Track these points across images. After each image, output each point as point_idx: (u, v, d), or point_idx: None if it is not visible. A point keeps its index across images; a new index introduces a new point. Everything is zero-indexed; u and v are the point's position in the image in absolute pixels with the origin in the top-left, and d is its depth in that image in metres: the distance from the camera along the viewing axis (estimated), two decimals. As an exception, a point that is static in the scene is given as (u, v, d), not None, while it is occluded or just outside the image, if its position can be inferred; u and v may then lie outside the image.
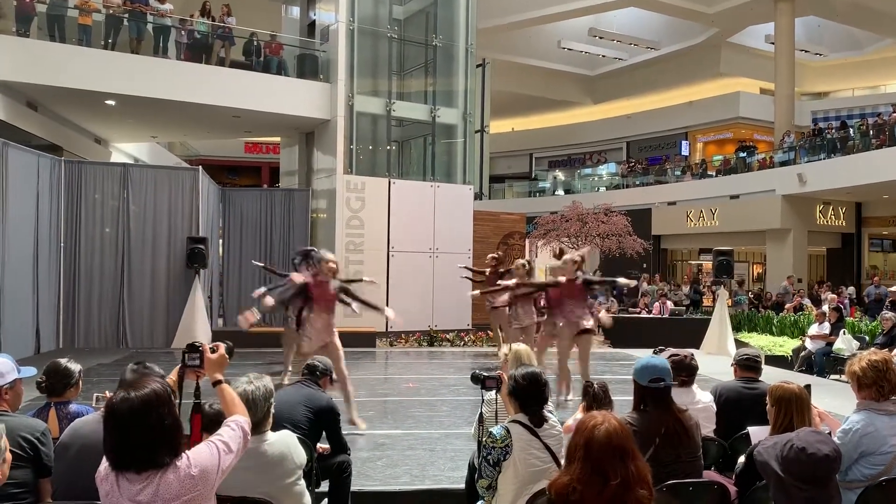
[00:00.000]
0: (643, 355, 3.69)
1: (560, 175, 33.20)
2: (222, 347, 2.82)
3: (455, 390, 9.04)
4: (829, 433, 3.26)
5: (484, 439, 3.33)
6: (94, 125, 16.74)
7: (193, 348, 2.82)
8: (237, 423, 2.53)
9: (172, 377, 2.90)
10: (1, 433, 2.52)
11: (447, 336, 14.24)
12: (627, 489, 2.18)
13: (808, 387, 3.82)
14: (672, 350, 4.28)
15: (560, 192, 30.41)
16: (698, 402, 4.12)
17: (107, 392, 3.78)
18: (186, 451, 2.35)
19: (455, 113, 15.92)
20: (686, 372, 4.18)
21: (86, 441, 2.96)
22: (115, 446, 2.30)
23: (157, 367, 3.34)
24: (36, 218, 11.37)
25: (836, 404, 5.77)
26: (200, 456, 2.36)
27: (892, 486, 3.17)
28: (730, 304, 14.85)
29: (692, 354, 4.37)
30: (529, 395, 3.32)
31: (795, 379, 4.75)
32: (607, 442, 2.22)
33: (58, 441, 3.19)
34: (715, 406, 4.20)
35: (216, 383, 2.72)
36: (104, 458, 2.36)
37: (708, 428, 4.04)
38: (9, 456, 2.56)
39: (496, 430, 3.24)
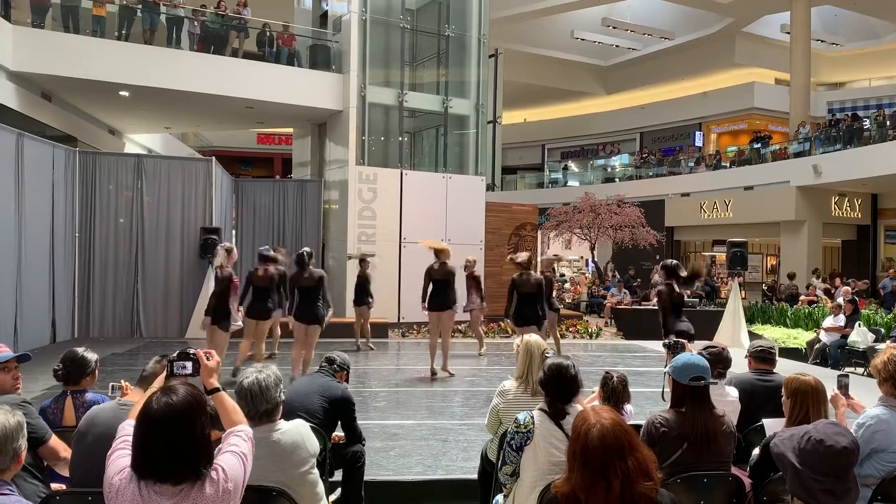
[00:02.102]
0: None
1: (573, 166, 33.03)
2: (215, 353, 2.74)
3: (468, 381, 9.05)
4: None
5: (510, 427, 3.35)
6: (108, 116, 16.84)
7: (185, 356, 2.66)
8: (246, 433, 2.47)
9: (156, 387, 2.54)
10: (23, 424, 2.54)
11: (459, 327, 14.20)
12: (630, 485, 2.16)
13: (845, 377, 3.80)
14: (707, 342, 4.29)
15: (574, 182, 30.26)
16: (727, 394, 4.11)
17: (122, 381, 3.81)
18: (218, 464, 2.24)
19: (467, 104, 15.88)
20: (722, 365, 4.23)
21: (102, 429, 2.97)
22: (153, 456, 2.12)
23: None
24: (51, 209, 11.46)
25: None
26: (233, 469, 2.26)
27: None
28: (744, 297, 14.74)
29: (726, 347, 4.37)
30: (552, 388, 3.34)
31: (824, 372, 4.73)
32: (601, 444, 2.19)
33: (75, 429, 3.22)
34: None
35: (213, 391, 2.57)
36: (116, 468, 2.21)
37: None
38: (25, 444, 2.58)
39: (522, 415, 3.27)
